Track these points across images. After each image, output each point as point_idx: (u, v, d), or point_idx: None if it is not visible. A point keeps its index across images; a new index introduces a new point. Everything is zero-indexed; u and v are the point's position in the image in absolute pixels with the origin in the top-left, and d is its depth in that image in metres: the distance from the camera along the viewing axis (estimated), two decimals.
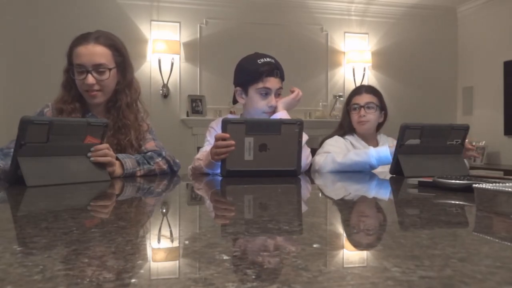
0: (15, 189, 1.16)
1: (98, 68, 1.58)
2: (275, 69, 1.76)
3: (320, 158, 1.90)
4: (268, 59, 1.77)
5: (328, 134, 2.22)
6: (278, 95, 1.80)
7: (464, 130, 1.66)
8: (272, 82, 1.76)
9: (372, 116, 2.12)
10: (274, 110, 1.78)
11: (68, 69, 1.63)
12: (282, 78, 1.80)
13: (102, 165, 1.39)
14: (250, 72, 1.77)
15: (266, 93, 1.76)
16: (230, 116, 1.89)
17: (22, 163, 1.18)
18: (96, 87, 1.59)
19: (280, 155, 1.53)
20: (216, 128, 1.84)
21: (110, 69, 1.60)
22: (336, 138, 2.12)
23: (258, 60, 1.76)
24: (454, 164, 1.63)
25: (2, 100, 4.07)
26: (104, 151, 1.39)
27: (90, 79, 1.57)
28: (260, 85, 1.75)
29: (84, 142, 1.34)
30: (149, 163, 1.57)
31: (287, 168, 1.55)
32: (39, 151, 1.23)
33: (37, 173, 1.20)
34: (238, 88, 1.83)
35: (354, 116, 2.14)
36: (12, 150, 1.23)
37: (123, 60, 1.66)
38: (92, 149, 1.37)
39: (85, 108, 1.65)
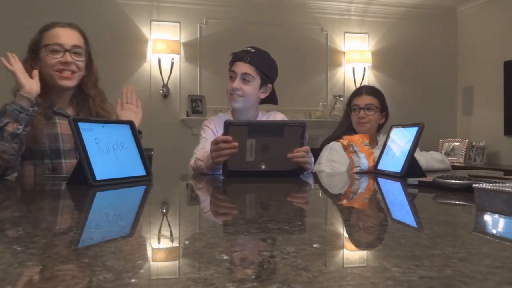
0: (15, 190, 1.16)
1: (75, 49, 1.57)
2: (245, 55, 1.80)
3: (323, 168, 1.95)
4: (249, 48, 1.84)
5: (328, 136, 2.21)
6: (245, 81, 1.79)
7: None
8: (238, 66, 1.79)
9: (371, 118, 2.12)
10: (241, 94, 1.79)
11: (28, 58, 1.57)
12: (255, 65, 1.79)
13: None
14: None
15: (232, 76, 1.81)
16: (221, 115, 1.90)
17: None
18: (73, 67, 1.56)
19: (282, 156, 1.52)
20: (210, 126, 1.87)
21: (86, 52, 1.60)
22: (336, 147, 2.00)
23: (242, 49, 1.85)
24: None
25: None
26: None
27: (69, 57, 1.55)
28: (231, 69, 1.82)
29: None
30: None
31: (289, 169, 1.54)
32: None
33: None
34: None
35: (354, 118, 2.14)
36: None
37: (90, 52, 1.65)
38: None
39: (48, 100, 1.58)
